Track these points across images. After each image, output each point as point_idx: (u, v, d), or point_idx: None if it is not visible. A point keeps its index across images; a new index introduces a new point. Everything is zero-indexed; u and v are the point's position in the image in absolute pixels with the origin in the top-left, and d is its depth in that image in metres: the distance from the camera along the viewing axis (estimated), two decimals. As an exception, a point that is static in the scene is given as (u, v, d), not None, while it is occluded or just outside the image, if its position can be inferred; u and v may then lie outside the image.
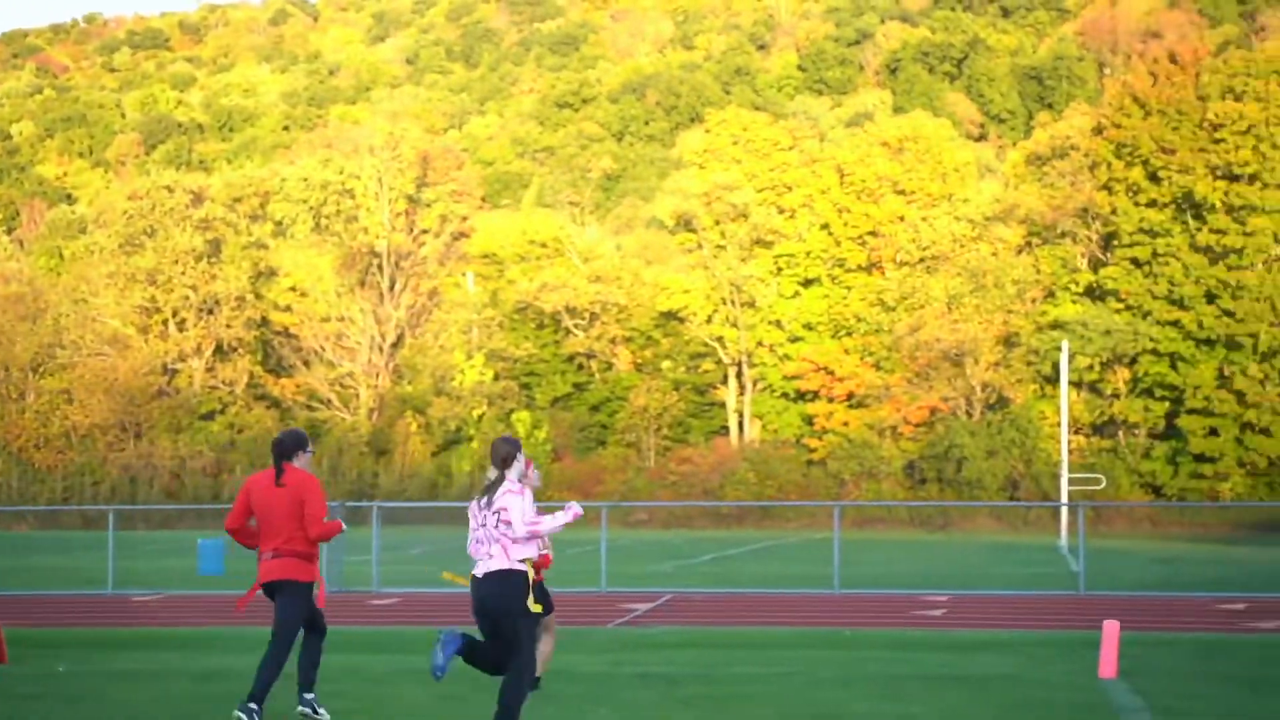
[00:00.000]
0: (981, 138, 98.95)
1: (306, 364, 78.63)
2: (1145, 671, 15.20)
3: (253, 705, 11.09)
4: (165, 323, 78.22)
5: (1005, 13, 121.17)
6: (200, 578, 32.06)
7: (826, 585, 27.24)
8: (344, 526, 12.09)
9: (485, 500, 10.77)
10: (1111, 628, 15.36)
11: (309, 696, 11.35)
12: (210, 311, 77.85)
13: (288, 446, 11.54)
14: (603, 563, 26.62)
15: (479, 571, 10.68)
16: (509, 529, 10.62)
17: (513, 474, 10.91)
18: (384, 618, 22.72)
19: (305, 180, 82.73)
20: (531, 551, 10.80)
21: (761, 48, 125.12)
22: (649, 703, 12.71)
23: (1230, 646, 18.03)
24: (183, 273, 77.50)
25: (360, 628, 20.73)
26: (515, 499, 10.69)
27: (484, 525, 10.72)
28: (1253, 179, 65.85)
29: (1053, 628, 20.79)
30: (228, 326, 77.59)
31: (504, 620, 10.62)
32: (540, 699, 12.56)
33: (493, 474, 10.89)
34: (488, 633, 10.78)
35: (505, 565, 10.63)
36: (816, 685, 13.96)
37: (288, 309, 79.18)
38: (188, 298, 77.47)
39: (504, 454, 10.89)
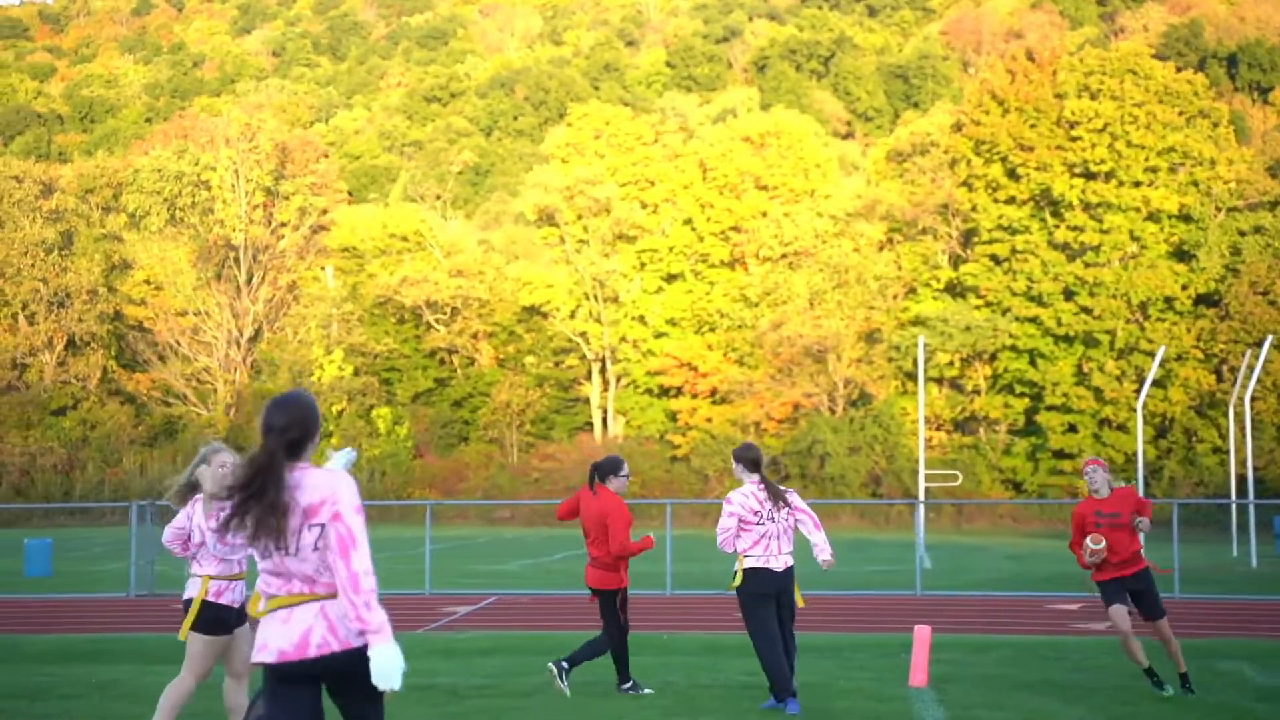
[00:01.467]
0: (849, 135, 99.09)
1: (162, 359, 77.01)
2: (959, 678, 14.71)
3: (565, 664, 12.99)
4: (15, 316, 76.41)
5: (871, 11, 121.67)
6: (28, 579, 31.00)
7: (659, 586, 26.64)
8: (653, 541, 13.25)
9: (773, 500, 12.19)
10: (922, 633, 14.82)
11: (565, 665, 12.93)
12: (62, 305, 76.24)
13: (604, 470, 13.25)
14: (427, 562, 25.78)
15: (778, 566, 12.23)
16: (800, 522, 12.36)
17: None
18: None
19: (159, 171, 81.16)
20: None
21: (630, 44, 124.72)
22: (416, 718, 11.98)
23: (1054, 649, 17.62)
24: (32, 265, 75.86)
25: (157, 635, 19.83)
26: (799, 498, 12.49)
27: (773, 520, 12.22)
28: (1109, 176, 66.28)
29: (881, 630, 20.29)
30: (80, 320, 76.00)
31: (786, 599, 12.37)
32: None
33: (751, 477, 12.26)
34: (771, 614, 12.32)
35: (792, 558, 12.38)
36: (608, 695, 13.30)
37: (142, 303, 77.65)
38: (38, 290, 75.80)
39: (756, 456, 12.37)
